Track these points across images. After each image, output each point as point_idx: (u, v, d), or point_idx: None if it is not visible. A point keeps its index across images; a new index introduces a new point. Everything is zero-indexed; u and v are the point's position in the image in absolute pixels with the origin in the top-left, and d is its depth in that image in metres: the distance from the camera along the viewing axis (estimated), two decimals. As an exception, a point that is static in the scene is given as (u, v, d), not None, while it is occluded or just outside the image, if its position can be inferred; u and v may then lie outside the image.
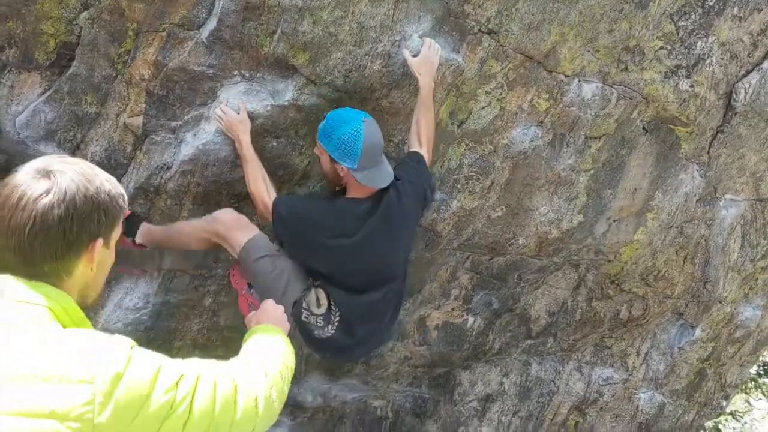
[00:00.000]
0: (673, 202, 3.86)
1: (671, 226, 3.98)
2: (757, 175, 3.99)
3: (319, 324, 2.81)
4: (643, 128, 3.62)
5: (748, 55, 3.51)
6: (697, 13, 3.32)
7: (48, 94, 2.88)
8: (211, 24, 2.72)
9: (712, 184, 3.93)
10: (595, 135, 3.55)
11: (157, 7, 2.70)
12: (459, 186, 3.48)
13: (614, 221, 3.86)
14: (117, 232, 1.45)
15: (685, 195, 3.87)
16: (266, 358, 1.62)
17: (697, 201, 3.94)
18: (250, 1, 2.65)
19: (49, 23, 2.69)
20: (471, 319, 4.20)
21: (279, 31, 2.74)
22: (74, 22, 2.71)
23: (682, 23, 3.33)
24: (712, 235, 4.11)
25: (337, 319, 2.81)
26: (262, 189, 2.80)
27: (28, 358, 1.17)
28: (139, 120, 2.94)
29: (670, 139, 3.70)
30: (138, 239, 3.01)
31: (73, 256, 1.36)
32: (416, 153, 2.94)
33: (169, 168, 3.01)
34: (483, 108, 3.29)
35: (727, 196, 4.04)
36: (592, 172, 3.65)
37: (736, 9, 3.33)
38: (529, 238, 3.75)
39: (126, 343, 1.30)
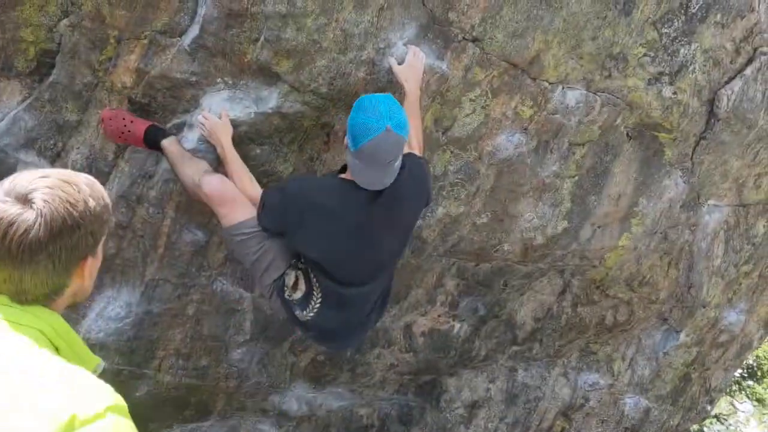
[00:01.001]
0: (657, 207, 3.88)
1: (655, 232, 4.00)
2: (740, 180, 4.02)
3: (298, 305, 2.75)
4: (627, 135, 3.64)
5: (730, 62, 3.53)
6: (680, 20, 3.33)
7: (28, 101, 2.85)
8: (194, 31, 2.70)
9: (696, 190, 3.96)
10: (579, 141, 3.56)
11: (138, 14, 2.67)
12: (444, 193, 3.47)
13: (599, 227, 3.87)
14: (103, 240, 1.43)
15: (669, 201, 3.89)
16: None
17: (680, 207, 3.96)
18: (233, 9, 2.63)
19: (29, 30, 2.66)
20: (457, 326, 4.19)
21: (262, 38, 2.72)
22: (54, 30, 2.68)
23: (665, 30, 3.34)
24: (695, 241, 4.13)
25: (317, 306, 2.73)
26: (248, 185, 2.75)
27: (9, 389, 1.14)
28: (121, 128, 2.91)
29: (654, 146, 3.71)
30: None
31: (65, 279, 1.35)
32: (416, 155, 2.86)
33: (151, 176, 2.99)
34: (467, 115, 3.29)
35: (711, 202, 4.07)
36: (576, 178, 3.66)
37: (718, 16, 3.36)
38: (515, 244, 3.75)
39: (108, 398, 1.18)
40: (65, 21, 2.66)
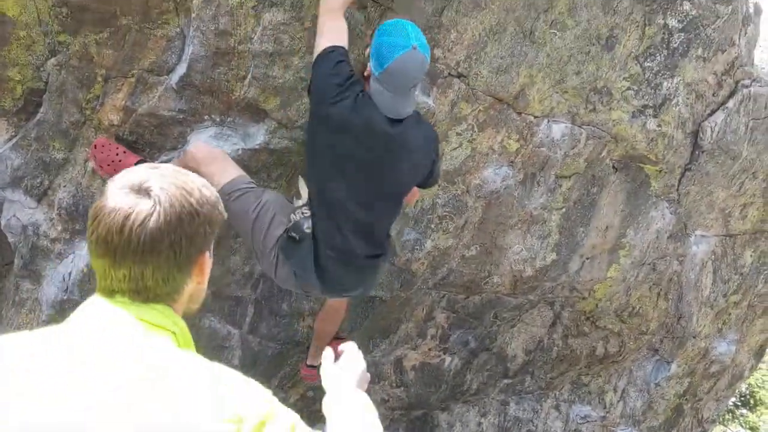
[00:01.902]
0: (644, 239, 3.90)
1: (644, 263, 4.01)
2: (726, 211, 4.05)
3: (305, 214, 2.63)
4: (613, 167, 3.67)
5: (713, 95, 3.58)
6: (662, 55, 3.39)
7: (15, 140, 2.85)
8: (181, 69, 2.71)
9: (683, 221, 3.98)
10: (566, 174, 3.58)
11: (126, 53, 2.69)
12: (433, 226, 3.48)
13: (587, 259, 3.88)
14: (213, 238, 1.36)
15: (657, 232, 3.91)
16: None
17: (668, 237, 3.98)
18: (220, 47, 2.65)
19: (16, 70, 2.67)
20: (448, 359, 4.17)
21: (250, 76, 2.74)
22: (42, 69, 2.69)
23: (648, 64, 3.39)
24: (684, 271, 4.15)
25: (312, 205, 2.63)
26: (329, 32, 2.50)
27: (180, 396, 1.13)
28: (108, 165, 2.91)
29: (640, 177, 3.74)
30: None
31: (185, 275, 1.29)
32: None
33: (138, 213, 2.97)
34: (455, 149, 3.31)
35: (698, 232, 4.09)
36: (563, 210, 3.67)
37: (700, 50, 3.41)
38: (504, 276, 3.75)
39: (266, 391, 1.26)
40: (53, 60, 2.67)
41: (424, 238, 3.47)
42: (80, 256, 3.10)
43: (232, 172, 2.69)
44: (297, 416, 1.28)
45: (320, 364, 2.86)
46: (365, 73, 2.53)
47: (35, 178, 2.93)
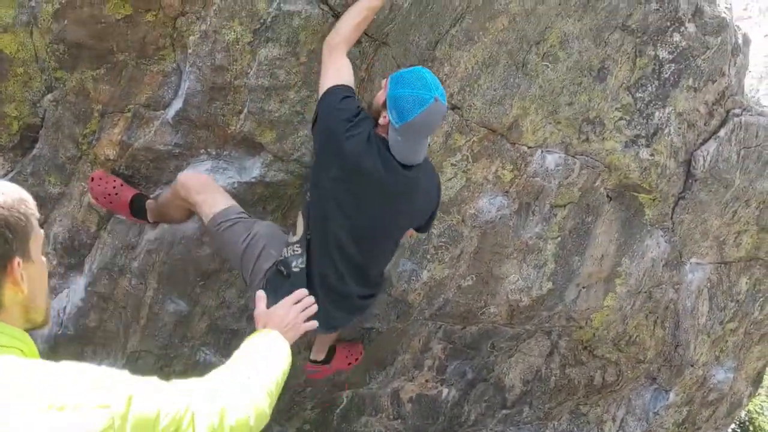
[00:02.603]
0: (640, 267, 3.90)
1: (640, 292, 4.01)
2: (721, 238, 4.06)
3: (296, 252, 2.57)
4: (607, 196, 3.69)
5: (704, 124, 3.61)
6: (653, 85, 3.43)
7: (10, 176, 2.86)
8: (177, 104, 2.73)
9: (678, 249, 3.99)
10: (560, 203, 3.59)
11: (122, 89, 2.71)
12: (429, 256, 3.48)
13: (583, 288, 3.88)
14: (37, 240, 1.32)
15: (652, 260, 3.91)
16: (262, 371, 1.57)
17: (663, 266, 3.98)
18: (217, 83, 2.68)
19: (13, 106, 2.69)
20: (445, 391, 4.14)
21: (246, 110, 2.76)
22: (38, 104, 2.71)
23: (640, 95, 3.43)
24: (680, 299, 4.14)
25: (308, 238, 2.57)
26: (334, 70, 2.49)
27: (38, 392, 1.13)
28: (104, 199, 2.91)
29: (634, 206, 3.76)
30: (150, 218, 2.88)
31: None
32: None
33: (134, 247, 2.98)
34: (449, 179, 3.32)
35: (693, 260, 4.09)
36: (559, 239, 3.68)
37: (690, 80, 3.45)
38: (500, 306, 3.74)
39: (124, 371, 1.28)
40: (49, 96, 2.70)
41: (420, 269, 3.47)
42: (75, 291, 3.10)
43: (223, 202, 2.67)
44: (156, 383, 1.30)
45: (323, 359, 2.94)
46: (380, 121, 2.47)
47: (31, 212, 2.93)
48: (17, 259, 1.24)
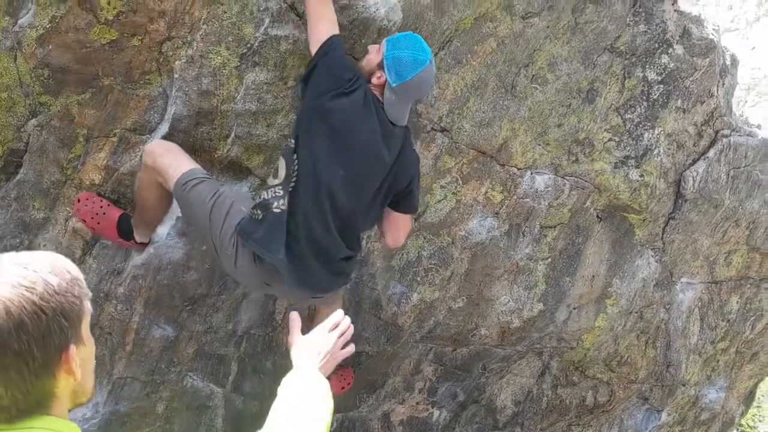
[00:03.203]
0: (631, 287, 3.89)
1: (631, 312, 3.99)
2: (711, 258, 4.06)
3: (278, 193, 2.47)
4: (597, 216, 3.68)
5: (693, 145, 3.62)
6: (642, 107, 3.43)
7: (-6, 200, 2.81)
8: (163, 129, 2.71)
9: (668, 269, 3.98)
10: (551, 224, 3.58)
11: (108, 113, 2.68)
12: (419, 278, 3.45)
13: (574, 308, 3.86)
14: (87, 318, 1.19)
15: (643, 280, 3.90)
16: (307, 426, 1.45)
17: (654, 286, 3.97)
18: (203, 107, 2.65)
19: (-4, 131, 2.65)
20: (436, 413, 4.10)
21: (233, 134, 2.74)
22: (22, 129, 2.67)
23: (629, 116, 3.43)
24: (671, 319, 4.13)
25: (292, 183, 2.45)
26: (326, 17, 2.45)
27: None
28: (89, 224, 2.88)
29: (624, 226, 3.75)
30: (138, 238, 2.83)
31: (49, 380, 1.12)
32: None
33: (119, 273, 2.94)
34: (439, 201, 3.31)
35: (683, 280, 4.09)
36: (549, 260, 3.66)
37: (679, 101, 3.46)
38: (491, 328, 3.72)
39: None
40: (33, 121, 2.66)
41: (410, 291, 3.44)
42: (60, 317, 3.04)
43: (188, 164, 2.58)
44: None
45: None
46: (373, 81, 2.52)
47: (15, 238, 2.89)
48: (72, 347, 1.14)
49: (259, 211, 2.48)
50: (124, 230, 2.80)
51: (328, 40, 2.40)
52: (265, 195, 2.51)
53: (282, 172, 2.50)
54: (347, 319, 1.77)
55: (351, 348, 1.75)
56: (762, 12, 6.96)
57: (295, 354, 1.67)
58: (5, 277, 1.08)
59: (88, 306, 1.18)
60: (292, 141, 2.48)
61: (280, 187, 2.48)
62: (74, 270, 1.17)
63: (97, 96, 2.64)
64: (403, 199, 2.75)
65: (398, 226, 2.85)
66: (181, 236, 2.91)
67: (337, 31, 2.44)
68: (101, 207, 2.78)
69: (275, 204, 2.46)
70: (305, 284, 2.55)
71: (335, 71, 2.42)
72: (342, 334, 1.73)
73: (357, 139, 2.49)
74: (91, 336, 1.22)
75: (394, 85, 2.48)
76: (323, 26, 2.43)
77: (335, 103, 2.43)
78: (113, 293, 2.96)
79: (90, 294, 1.20)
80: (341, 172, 2.47)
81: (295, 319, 1.75)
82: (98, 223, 2.78)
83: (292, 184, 2.45)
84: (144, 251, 2.90)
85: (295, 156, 2.45)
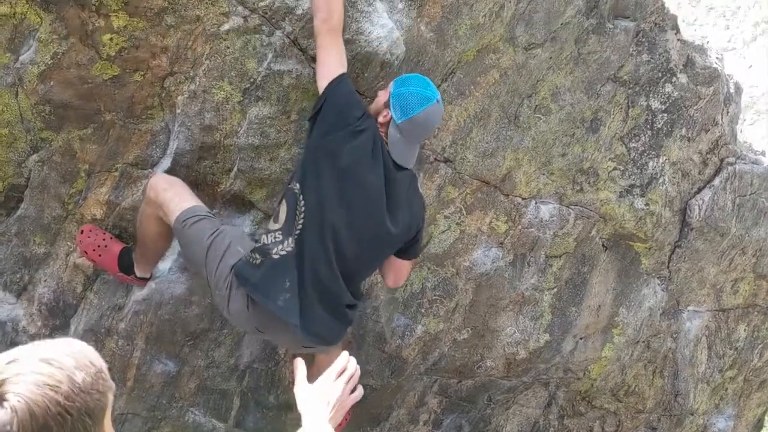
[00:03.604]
0: (637, 317, 3.85)
1: (638, 341, 3.95)
2: (717, 286, 4.02)
3: (277, 238, 2.41)
4: (603, 245, 3.65)
5: (699, 173, 3.60)
6: (646, 135, 3.41)
7: (-6, 236, 2.79)
8: (166, 163, 2.69)
9: (675, 297, 3.94)
10: (556, 254, 3.55)
11: (110, 148, 2.67)
12: (423, 310, 3.42)
13: (581, 338, 3.81)
14: (109, 412, 1.17)
15: (649, 309, 3.86)
16: None
17: (661, 315, 3.93)
18: (206, 142, 2.63)
19: (-3, 167, 2.64)
20: (441, 445, 4.04)
21: (235, 168, 2.72)
22: (23, 165, 2.66)
23: (633, 145, 3.41)
24: (678, 348, 4.08)
25: (299, 228, 2.39)
26: (336, 54, 2.43)
27: None
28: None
29: (630, 255, 3.72)
30: (138, 273, 2.78)
31: None
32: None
33: (121, 308, 2.90)
34: (443, 232, 3.28)
35: (690, 308, 4.05)
36: (555, 290, 3.63)
37: (684, 130, 3.44)
38: (497, 359, 3.67)
39: None
40: (35, 156, 2.64)
41: (414, 324, 3.40)
42: (60, 352, 3.01)
43: (190, 200, 2.55)
44: None
45: None
46: (380, 119, 2.50)
47: (15, 273, 2.86)
48: None
49: (257, 256, 2.43)
50: (126, 264, 2.77)
51: (337, 77, 2.39)
52: (264, 239, 2.46)
53: (282, 216, 2.44)
54: (353, 362, 1.71)
55: (359, 392, 1.69)
56: (759, 32, 7.01)
57: (302, 406, 1.61)
58: (29, 376, 1.04)
59: (111, 398, 1.15)
60: (297, 185, 2.42)
61: (280, 232, 2.43)
62: (98, 361, 1.14)
63: (99, 131, 2.63)
64: (408, 247, 2.73)
65: (400, 270, 2.82)
66: (183, 271, 2.88)
67: (345, 69, 2.43)
68: (103, 240, 2.76)
69: (275, 249, 2.41)
70: (310, 332, 2.47)
71: (343, 108, 2.41)
72: (349, 379, 1.67)
73: (363, 184, 2.46)
74: (112, 428, 1.19)
75: (399, 121, 2.46)
76: (333, 63, 2.41)
77: (343, 144, 2.40)
78: (114, 329, 2.92)
79: (114, 387, 1.17)
80: (346, 217, 2.43)
81: (300, 366, 1.70)
82: (99, 256, 2.76)
83: (299, 229, 2.40)
84: (145, 286, 2.87)
85: (301, 199, 2.39)
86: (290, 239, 2.40)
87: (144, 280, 2.85)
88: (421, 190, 3.07)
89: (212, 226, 2.52)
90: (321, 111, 2.40)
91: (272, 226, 2.48)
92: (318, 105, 2.42)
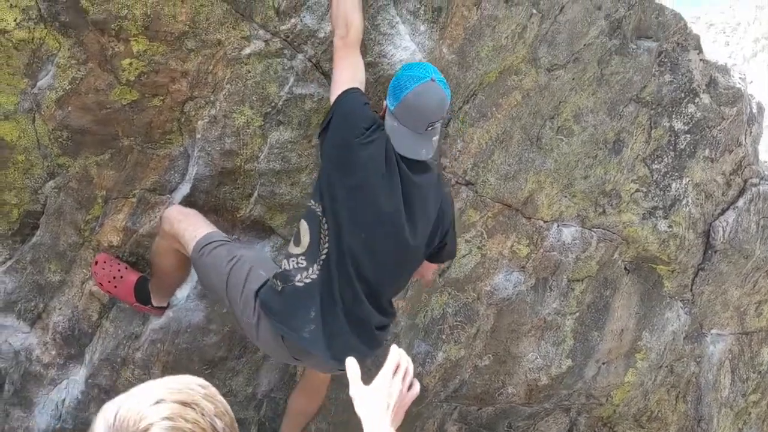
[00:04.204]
0: (661, 341, 3.77)
1: (661, 366, 3.87)
2: (741, 309, 3.95)
3: (300, 264, 2.29)
4: (625, 268, 3.58)
5: (722, 194, 3.54)
6: (669, 156, 3.36)
7: (9, 264, 2.73)
8: (185, 189, 2.63)
9: (698, 321, 3.87)
10: (578, 278, 3.48)
11: (127, 174, 2.62)
12: (444, 336, 3.35)
13: (603, 363, 3.73)
14: None
15: (673, 333, 3.78)
16: None
17: (684, 338, 3.85)
18: (226, 167, 2.58)
19: (13, 193, 2.58)
20: (460, 473, 3.94)
21: (256, 193, 2.66)
22: (40, 191, 2.61)
23: (656, 166, 3.36)
24: (702, 372, 4.00)
25: (324, 252, 2.26)
26: (348, 71, 2.34)
27: None
28: (106, 287, 2.79)
29: (653, 278, 3.65)
30: (155, 302, 2.68)
31: None
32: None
33: (137, 337, 2.83)
34: (464, 256, 3.22)
35: (714, 331, 3.97)
36: (577, 314, 3.56)
37: (707, 151, 3.39)
38: (519, 386, 3.59)
39: None
40: (51, 183, 2.59)
41: (435, 350, 3.33)
42: (75, 382, 2.94)
43: (205, 227, 2.46)
44: None
45: None
46: (381, 113, 2.38)
47: (29, 301, 2.80)
48: None
49: (278, 282, 2.32)
50: (142, 294, 2.70)
51: (344, 91, 2.29)
52: (286, 265, 2.34)
53: (306, 239, 2.32)
54: (406, 357, 1.59)
55: (417, 388, 1.57)
56: (759, 48, 6.99)
57: (362, 411, 1.49)
58: (177, 422, 0.98)
59: None
60: (319, 206, 2.31)
61: (304, 258, 2.31)
62: (226, 404, 1.08)
63: (117, 157, 2.58)
64: (437, 252, 2.61)
65: (428, 269, 2.73)
66: (202, 298, 2.82)
67: (358, 85, 2.33)
68: (119, 270, 2.70)
69: (298, 277, 2.30)
70: (340, 361, 2.23)
71: (351, 119, 2.29)
72: (405, 375, 1.55)
73: (376, 200, 2.30)
74: None
75: (392, 108, 2.30)
76: (344, 80, 2.32)
77: (352, 159, 2.28)
78: (130, 358, 2.85)
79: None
80: (364, 240, 2.30)
81: (353, 367, 1.55)
82: (115, 287, 2.69)
83: (324, 254, 2.28)
84: (162, 315, 2.80)
85: (324, 222, 2.29)
86: (315, 266, 2.30)
87: (161, 309, 2.78)
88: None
89: (230, 251, 2.41)
90: (328, 126, 2.31)
91: (294, 249, 2.35)
92: (325, 121, 2.33)
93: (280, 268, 2.38)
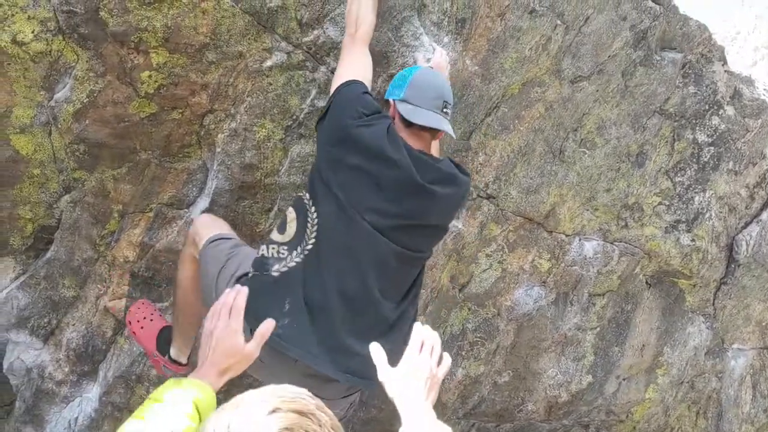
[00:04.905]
0: (682, 356, 3.70)
1: (682, 382, 3.79)
2: (764, 323, 3.88)
3: (281, 254, 2.11)
4: (647, 282, 3.51)
5: (746, 208, 3.48)
6: (692, 169, 3.30)
7: (22, 279, 2.68)
8: (203, 203, 2.58)
9: (720, 335, 3.79)
10: (599, 292, 3.42)
11: (144, 188, 2.56)
12: (463, 353, 3.28)
13: (624, 379, 3.66)
14: None
15: (694, 348, 3.71)
16: None
17: (705, 354, 3.78)
18: (246, 181, 2.53)
19: (28, 208, 2.53)
20: (477, 491, 3.87)
21: (276, 207, 2.61)
22: (55, 206, 2.55)
23: (679, 179, 3.29)
24: (723, 388, 3.93)
25: (311, 242, 2.10)
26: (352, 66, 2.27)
27: None
28: (121, 303, 2.73)
29: (674, 292, 3.58)
30: (173, 353, 2.51)
31: None
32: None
33: (153, 354, 2.77)
34: (484, 271, 3.15)
35: (735, 346, 3.90)
36: (598, 329, 3.49)
37: (731, 164, 3.33)
38: (539, 402, 3.52)
39: None
40: (66, 197, 2.54)
41: (454, 367, 3.26)
42: (88, 400, 2.88)
43: (225, 229, 2.36)
44: None
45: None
46: (389, 110, 2.25)
47: (43, 317, 2.74)
48: None
49: (251, 270, 2.13)
50: (163, 342, 2.54)
51: (347, 81, 2.18)
52: (265, 251, 2.14)
53: (292, 229, 2.14)
54: (431, 333, 1.50)
55: (448, 361, 1.50)
56: (758, 57, 6.94)
57: (395, 393, 1.41)
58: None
59: None
60: (307, 194, 2.15)
61: (286, 247, 2.12)
62: (333, 416, 1.03)
63: (134, 170, 2.52)
64: None
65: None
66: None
67: (360, 79, 2.21)
68: (152, 314, 2.59)
69: (275, 266, 2.10)
70: (339, 366, 2.09)
71: (352, 103, 2.14)
72: (432, 350, 1.47)
73: (387, 177, 2.11)
74: None
75: (402, 96, 2.19)
76: (347, 72, 2.22)
77: (356, 141, 2.11)
78: (146, 375, 2.79)
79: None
80: (353, 224, 2.10)
81: (378, 351, 1.46)
82: (142, 328, 2.56)
83: (311, 242, 2.09)
84: (179, 373, 2.53)
85: (313, 211, 2.11)
86: (294, 253, 2.11)
87: (178, 366, 2.56)
88: (462, 229, 2.96)
89: (232, 246, 2.27)
90: (326, 115, 2.19)
91: (276, 237, 2.17)
92: (324, 109, 2.22)
93: (257, 253, 2.18)
